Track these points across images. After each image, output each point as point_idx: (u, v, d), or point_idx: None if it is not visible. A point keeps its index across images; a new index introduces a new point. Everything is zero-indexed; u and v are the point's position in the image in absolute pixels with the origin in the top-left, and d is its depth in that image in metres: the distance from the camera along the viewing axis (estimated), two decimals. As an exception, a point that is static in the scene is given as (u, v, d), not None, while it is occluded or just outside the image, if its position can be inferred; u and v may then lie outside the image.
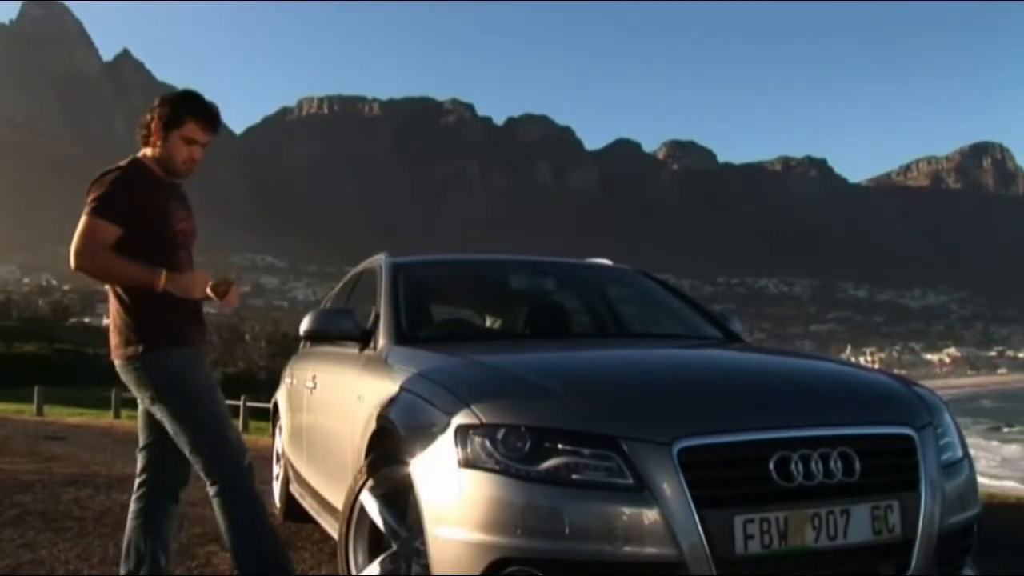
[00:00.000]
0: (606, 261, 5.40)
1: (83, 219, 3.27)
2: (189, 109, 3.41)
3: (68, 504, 6.34)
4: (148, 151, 3.47)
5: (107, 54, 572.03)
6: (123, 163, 3.44)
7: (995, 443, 41.83)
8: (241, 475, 3.30)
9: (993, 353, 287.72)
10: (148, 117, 3.44)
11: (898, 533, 2.71)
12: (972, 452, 3.37)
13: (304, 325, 4.12)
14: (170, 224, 3.44)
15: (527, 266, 5.41)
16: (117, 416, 26.14)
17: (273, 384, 7.15)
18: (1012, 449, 39.23)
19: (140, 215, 3.32)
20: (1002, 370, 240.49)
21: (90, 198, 3.30)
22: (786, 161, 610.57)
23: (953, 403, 4.34)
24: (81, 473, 8.41)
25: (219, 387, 3.50)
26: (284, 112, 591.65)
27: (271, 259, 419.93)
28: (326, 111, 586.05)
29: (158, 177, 3.44)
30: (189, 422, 3.30)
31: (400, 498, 3.01)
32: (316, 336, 4.16)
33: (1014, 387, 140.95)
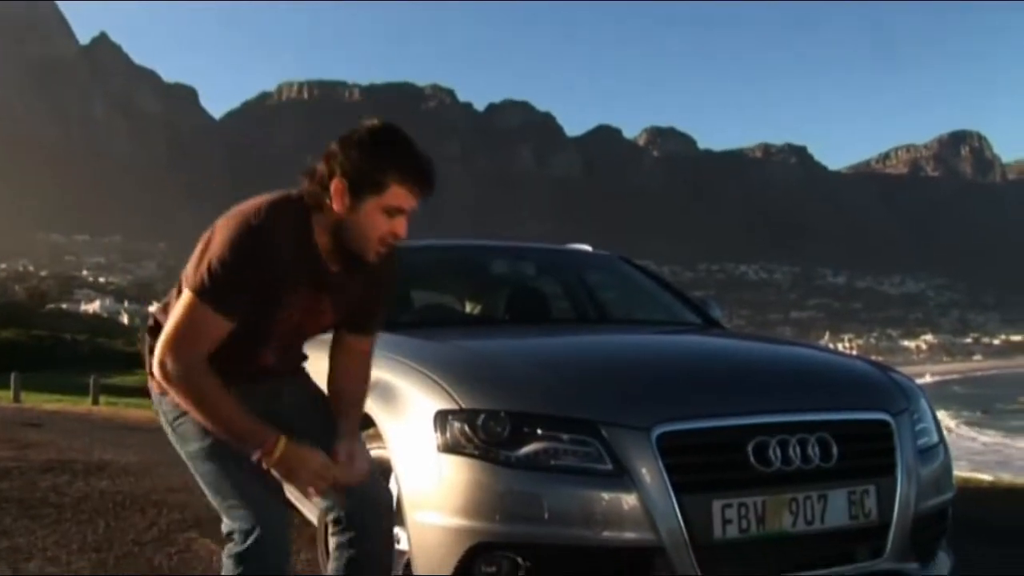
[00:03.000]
0: (586, 247, 5.41)
1: (186, 300, 2.17)
2: (395, 166, 2.18)
3: (45, 491, 6.30)
4: (332, 204, 2.21)
5: (83, 37, 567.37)
6: (279, 203, 2.24)
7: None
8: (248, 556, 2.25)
9: (969, 340, 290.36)
10: (322, 168, 2.22)
11: (874, 517, 2.74)
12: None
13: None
14: (274, 318, 2.31)
15: (508, 252, 5.42)
16: (95, 402, 25.98)
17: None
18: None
19: (253, 296, 2.21)
20: (977, 357, 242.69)
21: (204, 264, 2.14)
22: (766, 148, 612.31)
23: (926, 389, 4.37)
24: (59, 459, 8.35)
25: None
26: (264, 97, 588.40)
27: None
28: (306, 96, 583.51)
29: (317, 254, 2.27)
30: (198, 476, 2.38)
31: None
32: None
33: (989, 373, 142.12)
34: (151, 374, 2.33)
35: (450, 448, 2.66)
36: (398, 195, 2.19)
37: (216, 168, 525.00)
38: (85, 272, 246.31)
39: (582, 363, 3.30)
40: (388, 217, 2.21)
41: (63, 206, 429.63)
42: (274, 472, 2.24)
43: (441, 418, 2.71)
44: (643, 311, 4.87)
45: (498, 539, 2.56)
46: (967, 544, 3.74)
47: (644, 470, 2.54)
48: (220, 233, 2.18)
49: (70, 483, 6.76)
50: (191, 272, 2.18)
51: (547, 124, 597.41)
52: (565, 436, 2.62)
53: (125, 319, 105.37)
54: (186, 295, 2.16)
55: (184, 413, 2.28)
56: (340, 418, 2.44)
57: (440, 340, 3.51)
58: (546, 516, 2.55)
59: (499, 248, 5.58)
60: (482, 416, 2.67)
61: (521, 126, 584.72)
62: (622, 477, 2.55)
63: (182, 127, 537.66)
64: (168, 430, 2.40)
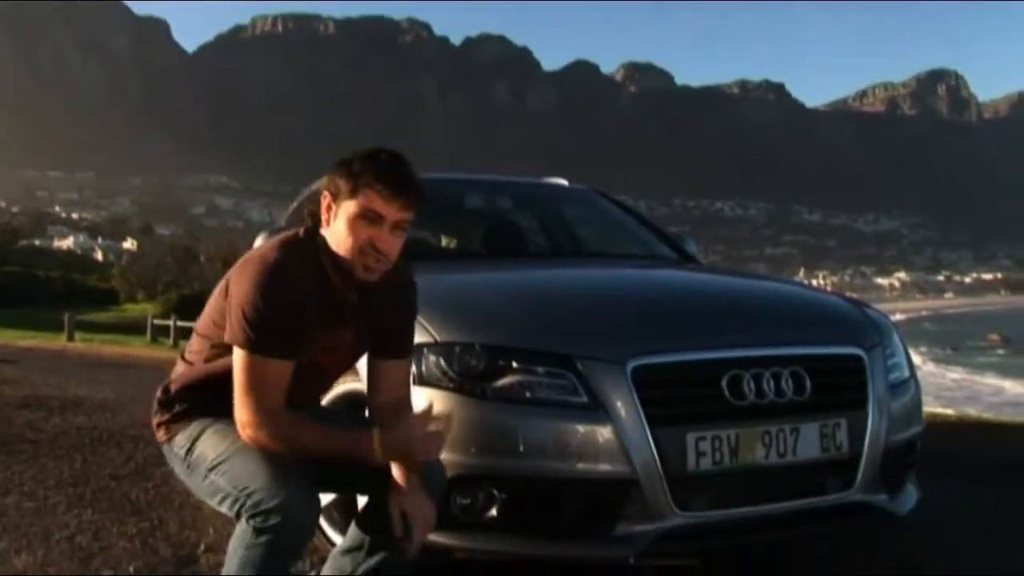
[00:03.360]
0: (562, 181, 5.38)
1: (240, 359, 2.13)
2: (369, 169, 2.16)
3: (21, 427, 6.29)
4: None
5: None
6: (288, 241, 2.24)
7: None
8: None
9: (941, 278, 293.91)
10: (323, 190, 2.25)
11: (845, 450, 2.77)
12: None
13: (257, 244, 4.08)
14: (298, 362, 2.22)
15: (483, 185, 5.37)
16: (71, 339, 25.94)
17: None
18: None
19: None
20: (949, 294, 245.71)
21: (239, 318, 2.12)
22: (744, 84, 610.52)
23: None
24: (34, 396, 8.34)
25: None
26: (238, 30, 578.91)
27: (225, 179, 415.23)
28: (280, 29, 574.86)
29: (332, 286, 2.23)
30: (216, 487, 2.20)
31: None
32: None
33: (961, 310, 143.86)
34: (156, 426, 2.38)
35: (425, 381, 2.66)
36: (370, 197, 2.15)
37: (190, 103, 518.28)
38: (58, 208, 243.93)
39: (558, 297, 3.29)
40: (368, 224, 2.15)
41: (34, 142, 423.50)
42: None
43: (416, 351, 2.70)
44: (619, 245, 4.85)
45: (474, 472, 2.57)
46: (934, 477, 3.81)
47: (619, 403, 2.55)
48: (240, 281, 2.16)
49: (46, 419, 6.75)
50: (226, 327, 2.17)
51: (524, 59, 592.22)
52: (540, 369, 2.63)
53: (99, 255, 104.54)
54: (238, 354, 2.13)
55: (195, 440, 2.26)
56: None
57: (416, 273, 3.49)
58: (521, 449, 2.56)
59: (475, 182, 5.53)
60: (457, 349, 2.67)
61: (498, 61, 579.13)
62: (597, 410, 2.56)
63: (155, 61, 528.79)
64: (184, 470, 2.30)
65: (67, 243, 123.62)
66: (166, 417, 2.34)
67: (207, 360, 2.29)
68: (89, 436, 5.96)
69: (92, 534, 3.57)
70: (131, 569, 3.12)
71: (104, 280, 56.85)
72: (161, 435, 2.37)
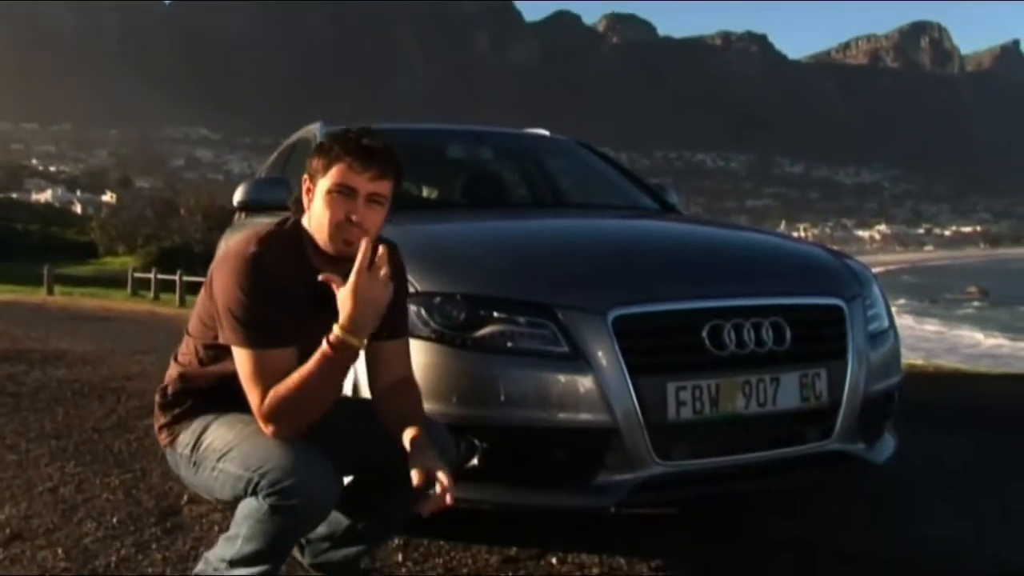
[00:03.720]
0: (544, 132, 5.35)
1: (240, 357, 2.12)
2: (339, 143, 2.17)
3: (2, 380, 6.28)
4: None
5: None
6: (268, 232, 2.22)
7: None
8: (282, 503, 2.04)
9: (921, 231, 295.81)
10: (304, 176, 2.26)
11: (825, 400, 2.79)
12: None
13: (238, 196, 4.05)
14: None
15: (464, 136, 5.33)
16: (50, 292, 25.80)
17: (209, 257, 7.02)
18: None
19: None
20: (928, 247, 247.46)
21: (227, 316, 2.12)
22: (726, 36, 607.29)
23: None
24: (15, 349, 8.32)
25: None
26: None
27: (205, 131, 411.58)
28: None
29: (315, 267, 2.19)
30: (226, 475, 2.16)
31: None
32: (250, 207, 4.10)
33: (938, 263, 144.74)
34: (158, 429, 2.36)
35: (406, 332, 2.66)
36: (341, 171, 2.15)
37: (168, 53, 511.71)
38: (35, 161, 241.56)
39: (539, 247, 3.28)
40: (343, 199, 2.15)
41: (8, 93, 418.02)
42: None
43: (397, 302, 2.69)
44: (601, 196, 4.82)
45: (455, 421, 2.55)
46: (911, 427, 3.84)
47: (600, 353, 2.56)
48: (220, 280, 2.16)
49: (27, 372, 6.74)
50: (216, 329, 2.17)
51: (505, 10, 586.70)
52: (521, 319, 2.62)
53: (78, 208, 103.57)
54: (238, 353, 2.13)
55: (200, 435, 2.23)
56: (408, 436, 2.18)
57: (396, 224, 3.47)
58: (502, 398, 2.57)
59: (456, 132, 5.49)
60: (438, 299, 2.66)
61: (478, 12, 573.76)
62: (578, 360, 2.56)
63: (131, 10, 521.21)
64: (190, 469, 2.26)
65: (45, 196, 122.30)
66: (167, 419, 2.33)
67: (201, 362, 2.28)
68: (70, 389, 5.96)
69: (75, 486, 3.58)
70: (114, 520, 3.13)
71: (83, 233, 56.36)
72: (163, 438, 2.35)
